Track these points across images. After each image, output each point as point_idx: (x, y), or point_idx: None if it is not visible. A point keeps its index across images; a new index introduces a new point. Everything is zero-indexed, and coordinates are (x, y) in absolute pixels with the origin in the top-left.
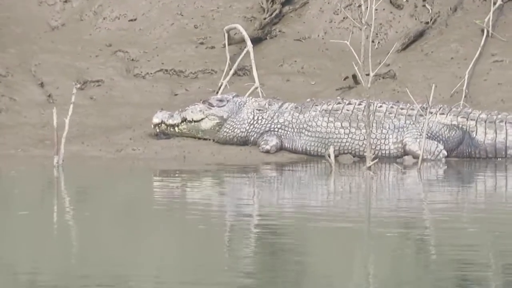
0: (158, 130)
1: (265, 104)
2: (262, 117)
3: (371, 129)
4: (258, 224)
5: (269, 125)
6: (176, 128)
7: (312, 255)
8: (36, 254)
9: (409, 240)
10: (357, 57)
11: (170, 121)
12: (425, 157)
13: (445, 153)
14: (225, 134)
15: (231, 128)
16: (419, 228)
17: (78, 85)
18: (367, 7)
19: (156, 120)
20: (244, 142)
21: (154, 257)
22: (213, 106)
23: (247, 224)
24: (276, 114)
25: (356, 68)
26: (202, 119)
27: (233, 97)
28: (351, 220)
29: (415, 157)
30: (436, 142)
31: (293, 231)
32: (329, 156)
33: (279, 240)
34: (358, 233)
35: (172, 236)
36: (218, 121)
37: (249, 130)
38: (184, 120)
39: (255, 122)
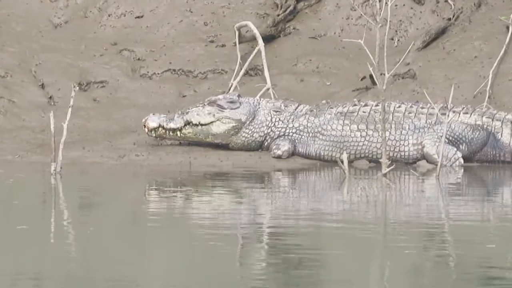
0: (154, 135)
1: (280, 105)
2: (279, 119)
3: (386, 134)
4: (268, 235)
5: (284, 129)
6: (178, 133)
7: (327, 267)
8: (36, 271)
9: (428, 256)
10: (371, 58)
11: (172, 125)
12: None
13: (462, 161)
14: (243, 139)
15: (250, 132)
16: (439, 244)
17: (77, 88)
18: (386, 3)
19: (153, 124)
20: (260, 147)
21: (162, 272)
22: (224, 108)
23: (258, 236)
24: (292, 117)
25: (371, 68)
26: (212, 122)
27: (237, 97)
28: (366, 235)
29: (430, 161)
30: (454, 149)
31: (306, 244)
32: (343, 162)
33: (291, 253)
34: (374, 250)
35: (179, 249)
36: (234, 124)
37: (266, 134)
38: (188, 123)
39: (272, 125)
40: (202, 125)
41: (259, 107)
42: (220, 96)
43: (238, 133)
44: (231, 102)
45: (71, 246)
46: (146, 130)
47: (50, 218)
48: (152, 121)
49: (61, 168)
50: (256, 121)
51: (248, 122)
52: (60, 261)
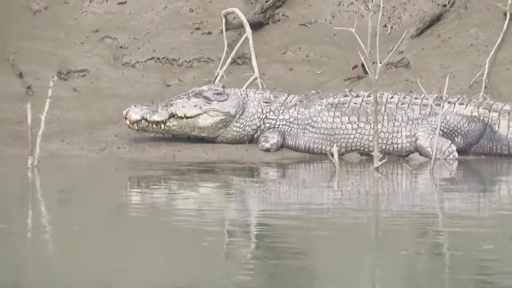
0: (136, 128)
1: (270, 96)
2: (270, 110)
3: (378, 126)
4: (255, 231)
5: (275, 121)
6: (163, 125)
7: (317, 265)
8: (15, 273)
9: (422, 259)
10: (363, 46)
11: (156, 118)
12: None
13: (456, 154)
14: (235, 133)
15: (242, 126)
16: (433, 245)
17: (56, 77)
18: None
19: (136, 116)
20: (251, 140)
21: (146, 269)
22: (211, 101)
23: (244, 232)
24: (282, 108)
25: (362, 58)
26: (198, 114)
27: (222, 88)
28: (357, 232)
29: (423, 154)
30: (449, 142)
31: (295, 242)
32: (333, 155)
33: (280, 250)
34: (365, 251)
35: (164, 246)
36: (222, 117)
37: (258, 127)
38: (173, 115)
39: (264, 117)
40: (188, 117)
41: (247, 99)
42: (205, 87)
43: (227, 126)
44: (218, 94)
45: (50, 247)
46: (128, 122)
47: (28, 216)
48: (135, 114)
49: (38, 162)
50: (247, 113)
51: (238, 115)
52: (39, 263)
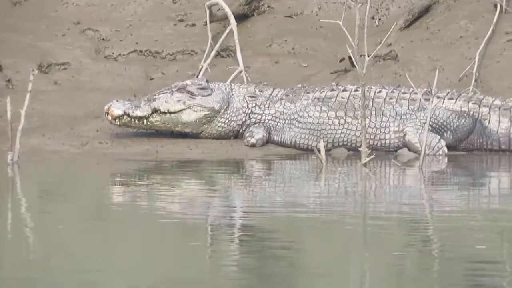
0: (118, 124)
1: (255, 90)
2: (256, 105)
3: (366, 121)
4: (240, 227)
5: (260, 115)
6: (145, 121)
7: (302, 262)
8: None
9: (411, 261)
10: (350, 39)
11: (138, 113)
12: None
13: (446, 150)
14: (220, 129)
15: (227, 121)
16: (424, 246)
17: (36, 71)
18: None
19: (118, 111)
20: (236, 136)
21: (129, 267)
22: (195, 95)
23: (229, 228)
24: (268, 102)
25: (350, 51)
26: (182, 110)
27: (206, 83)
28: (344, 230)
29: (411, 149)
30: (438, 137)
31: (282, 238)
32: (319, 151)
33: (265, 247)
34: (351, 250)
35: (148, 245)
36: (206, 112)
37: (243, 122)
38: (155, 111)
39: (250, 112)
40: (171, 113)
41: (232, 94)
42: (188, 82)
43: (212, 122)
44: (202, 88)
45: (31, 244)
46: (110, 118)
47: (7, 213)
48: (117, 109)
49: (18, 157)
50: (232, 108)
51: (222, 111)
52: (20, 260)
